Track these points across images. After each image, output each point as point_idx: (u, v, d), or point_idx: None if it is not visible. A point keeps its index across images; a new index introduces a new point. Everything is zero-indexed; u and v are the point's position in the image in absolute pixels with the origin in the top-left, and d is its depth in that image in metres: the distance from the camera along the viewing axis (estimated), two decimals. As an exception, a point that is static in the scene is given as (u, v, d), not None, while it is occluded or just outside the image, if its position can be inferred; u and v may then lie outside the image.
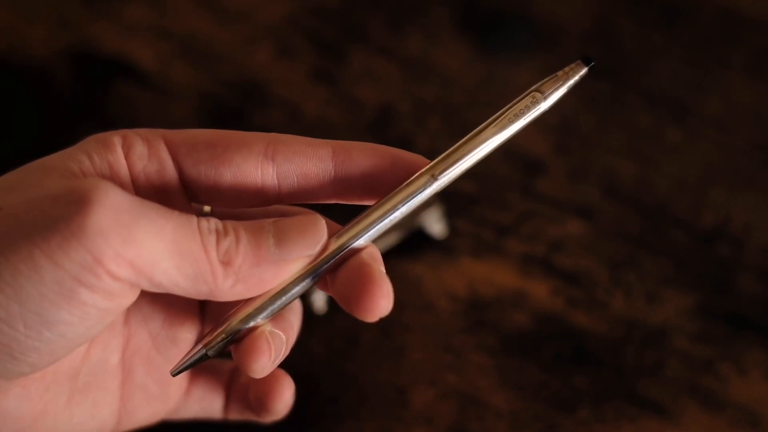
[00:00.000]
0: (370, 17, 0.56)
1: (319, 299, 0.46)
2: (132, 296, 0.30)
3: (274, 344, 0.32)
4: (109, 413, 0.34)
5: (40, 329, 0.28)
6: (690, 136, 0.52)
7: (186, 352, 0.33)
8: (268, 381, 0.37)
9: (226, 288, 0.30)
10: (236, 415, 0.39)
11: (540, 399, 0.44)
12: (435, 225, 0.48)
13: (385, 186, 0.32)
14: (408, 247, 0.48)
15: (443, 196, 0.49)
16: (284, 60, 0.54)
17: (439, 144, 0.51)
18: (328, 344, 0.45)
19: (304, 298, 0.45)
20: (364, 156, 0.33)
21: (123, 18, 0.55)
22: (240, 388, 0.38)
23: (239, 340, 0.32)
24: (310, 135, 0.52)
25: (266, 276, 0.30)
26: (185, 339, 0.36)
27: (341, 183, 0.33)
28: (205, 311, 0.37)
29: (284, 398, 0.37)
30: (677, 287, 0.47)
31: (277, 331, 0.32)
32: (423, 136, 0.52)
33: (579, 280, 0.47)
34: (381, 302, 0.30)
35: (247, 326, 0.32)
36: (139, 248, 0.28)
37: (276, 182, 0.33)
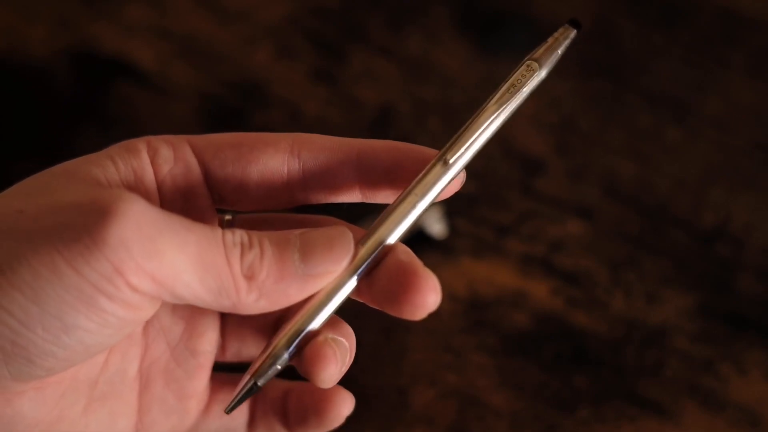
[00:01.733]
0: (370, 17, 0.56)
1: (319, 299, 0.45)
2: (153, 308, 0.29)
3: (339, 350, 0.31)
4: (126, 426, 0.34)
5: (59, 333, 0.28)
6: (690, 136, 0.52)
7: (205, 365, 0.32)
8: (332, 393, 0.36)
9: (249, 302, 0.29)
10: (263, 431, 0.37)
11: (540, 399, 0.44)
12: (435, 225, 0.48)
13: (408, 183, 0.32)
14: (408, 247, 0.47)
15: (443, 196, 0.49)
16: (284, 60, 0.54)
17: (439, 144, 0.51)
18: (329, 344, 0.45)
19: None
20: (387, 152, 0.32)
21: (123, 18, 0.55)
22: (269, 401, 0.37)
23: (292, 359, 0.31)
24: (310, 135, 0.52)
25: (290, 291, 0.30)
26: (204, 351, 0.35)
27: (366, 180, 0.32)
28: (225, 323, 0.36)
29: (345, 411, 0.36)
30: (677, 287, 0.47)
31: (338, 337, 0.31)
32: (423, 136, 0.52)
33: (579, 280, 0.47)
34: (430, 296, 0.30)
35: (295, 345, 0.31)
36: (161, 261, 0.27)
37: (302, 179, 0.32)
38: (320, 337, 0.31)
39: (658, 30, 0.56)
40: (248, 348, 0.37)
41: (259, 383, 0.31)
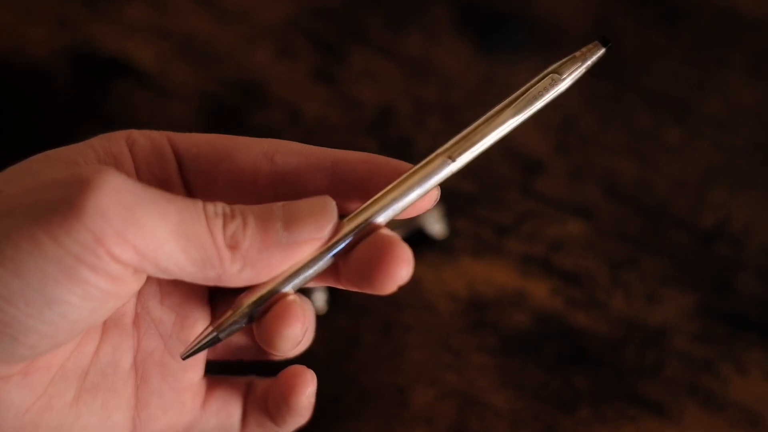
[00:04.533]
0: (370, 17, 0.56)
1: (319, 299, 0.46)
2: (137, 283, 0.30)
3: (306, 313, 0.31)
4: (122, 420, 0.34)
5: (42, 308, 0.28)
6: (690, 136, 0.52)
7: (199, 356, 0.33)
8: (290, 377, 0.36)
9: (234, 272, 0.30)
10: (254, 428, 0.38)
11: (540, 399, 0.44)
12: (435, 225, 0.48)
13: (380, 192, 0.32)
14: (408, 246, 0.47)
15: (443, 196, 0.49)
16: (284, 60, 0.54)
17: (439, 144, 0.51)
18: (329, 345, 0.45)
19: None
20: (362, 163, 0.32)
21: (123, 18, 0.55)
22: (257, 399, 0.37)
23: (255, 319, 0.32)
24: (310, 135, 0.52)
25: (275, 260, 0.30)
26: None
27: (337, 189, 0.32)
28: (216, 312, 0.36)
29: (307, 392, 0.36)
30: (677, 287, 0.47)
31: (306, 305, 0.32)
32: (423, 136, 0.52)
33: (579, 280, 0.47)
34: (401, 266, 0.30)
35: (258, 309, 0.31)
36: (141, 230, 0.28)
37: (273, 182, 0.33)
38: (290, 297, 0.31)
39: (658, 30, 0.56)
40: (238, 339, 0.37)
41: (220, 336, 0.32)
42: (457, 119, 0.53)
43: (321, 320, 0.45)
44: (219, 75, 0.53)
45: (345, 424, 0.43)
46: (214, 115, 0.52)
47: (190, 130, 0.51)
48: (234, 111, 0.52)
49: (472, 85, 0.54)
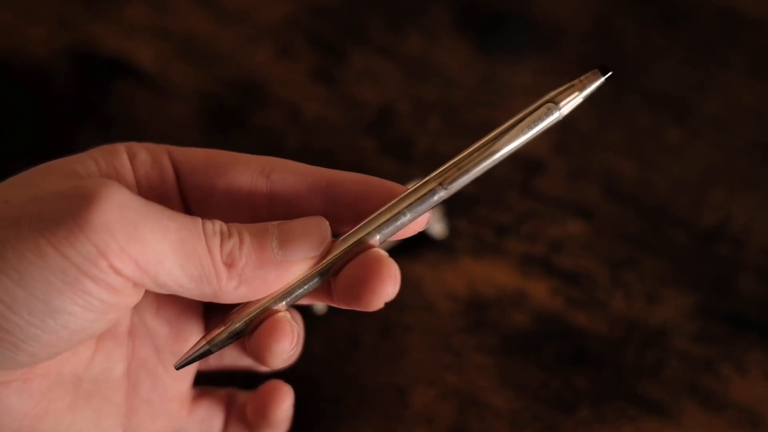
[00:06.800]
0: (370, 17, 0.56)
1: (319, 299, 0.46)
2: (136, 296, 0.30)
3: (295, 329, 0.32)
4: (113, 426, 0.34)
5: (44, 317, 0.28)
6: (690, 136, 0.52)
7: (190, 368, 0.33)
8: (268, 391, 0.37)
9: (229, 290, 0.30)
10: None
11: (540, 399, 0.44)
12: (435, 225, 0.48)
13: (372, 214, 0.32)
14: (408, 247, 0.48)
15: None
16: (284, 60, 0.54)
17: (439, 144, 0.52)
18: (329, 345, 0.45)
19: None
20: (356, 184, 0.33)
21: (123, 18, 0.55)
22: (238, 410, 0.38)
23: (246, 334, 0.32)
24: (310, 135, 0.52)
25: (269, 278, 0.31)
26: None
27: (331, 209, 0.33)
28: (210, 325, 0.37)
29: (284, 406, 0.37)
30: (677, 287, 0.47)
31: (295, 322, 0.32)
32: (423, 136, 0.52)
33: (579, 280, 0.47)
34: (388, 283, 0.31)
35: (255, 322, 0.32)
36: (143, 246, 0.28)
37: (268, 200, 0.33)
38: (280, 313, 0.32)
39: (658, 30, 0.56)
40: (231, 353, 0.38)
41: (212, 350, 0.32)
42: (457, 119, 0.53)
43: (321, 321, 0.46)
44: (219, 75, 0.53)
45: (345, 424, 0.43)
46: (214, 115, 0.52)
47: (190, 130, 0.52)
48: (234, 111, 0.52)
49: (472, 85, 0.54)
